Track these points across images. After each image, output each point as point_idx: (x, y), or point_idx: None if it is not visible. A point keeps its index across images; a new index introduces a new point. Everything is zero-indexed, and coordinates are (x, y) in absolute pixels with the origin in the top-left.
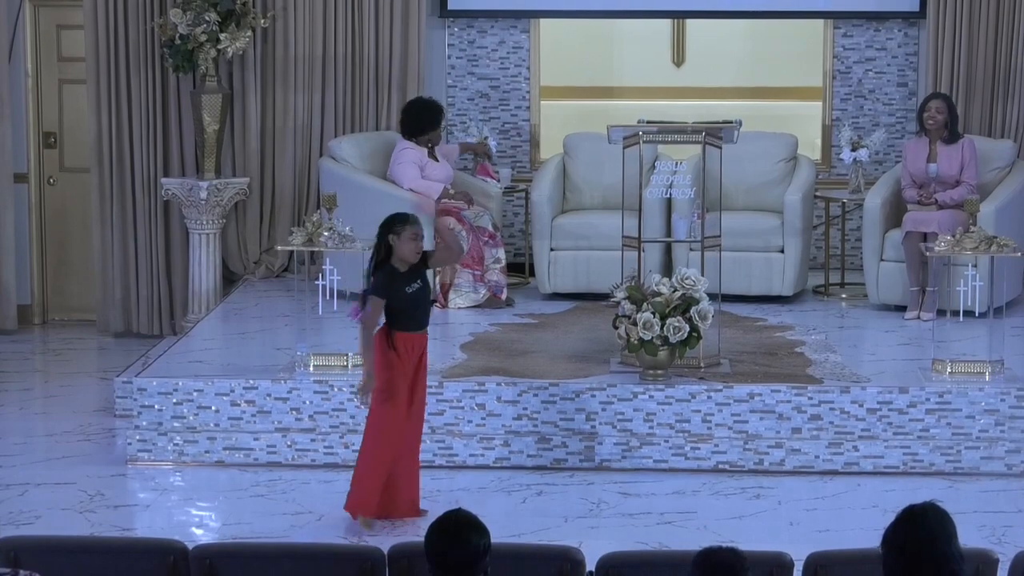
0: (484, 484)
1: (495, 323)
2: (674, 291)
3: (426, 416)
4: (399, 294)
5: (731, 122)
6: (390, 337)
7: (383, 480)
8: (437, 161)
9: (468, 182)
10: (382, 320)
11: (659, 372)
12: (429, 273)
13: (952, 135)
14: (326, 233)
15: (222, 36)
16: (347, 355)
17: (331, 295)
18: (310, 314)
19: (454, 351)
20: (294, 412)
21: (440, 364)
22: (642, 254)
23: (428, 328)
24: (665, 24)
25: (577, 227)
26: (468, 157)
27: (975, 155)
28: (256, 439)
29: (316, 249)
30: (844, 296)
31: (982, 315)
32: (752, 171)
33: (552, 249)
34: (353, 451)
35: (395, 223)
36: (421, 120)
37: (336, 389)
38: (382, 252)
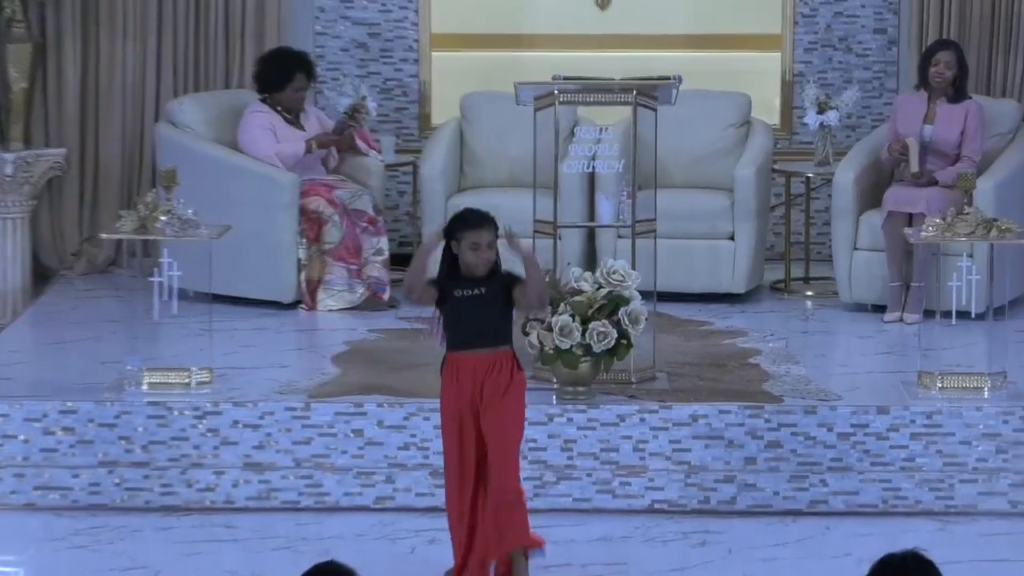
0: (362, 530)
1: (375, 329)
2: (598, 288)
3: (291, 447)
4: (446, 293)
5: (669, 78)
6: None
7: (454, 526)
8: (303, 130)
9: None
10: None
11: (580, 389)
12: (293, 266)
13: (958, 93)
14: (163, 217)
15: None
16: (189, 371)
17: (170, 295)
18: (144, 319)
19: (324, 364)
20: (123, 442)
21: (307, 381)
22: (559, 242)
23: (487, 354)
24: None
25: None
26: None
27: (982, 123)
28: (75, 476)
29: (151, 238)
30: (809, 294)
31: (979, 316)
32: (695, 139)
33: None
34: (196, 490)
35: (454, 225)
36: (267, 77)
37: (177, 413)
38: (448, 261)
